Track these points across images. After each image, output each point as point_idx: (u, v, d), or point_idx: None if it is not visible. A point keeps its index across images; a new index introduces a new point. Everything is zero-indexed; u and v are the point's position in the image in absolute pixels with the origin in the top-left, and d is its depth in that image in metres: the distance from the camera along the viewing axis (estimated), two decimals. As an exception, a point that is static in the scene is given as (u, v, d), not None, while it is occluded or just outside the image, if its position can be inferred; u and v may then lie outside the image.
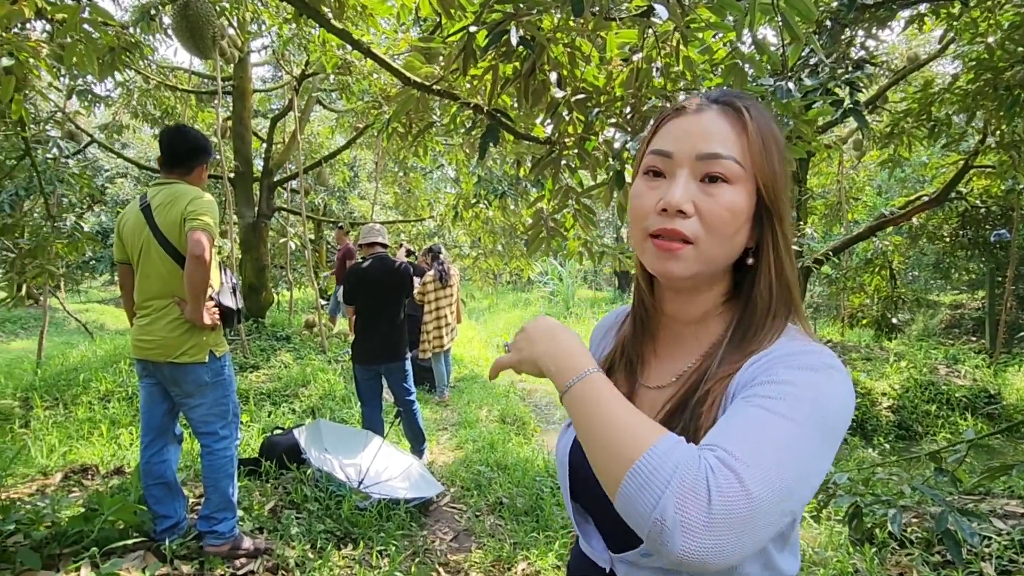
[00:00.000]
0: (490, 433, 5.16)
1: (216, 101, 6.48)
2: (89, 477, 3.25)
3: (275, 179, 8.17)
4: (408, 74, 2.92)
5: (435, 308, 6.07)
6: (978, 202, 8.60)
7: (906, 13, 5.09)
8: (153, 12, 4.75)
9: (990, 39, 5.22)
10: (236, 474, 2.58)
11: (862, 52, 4.77)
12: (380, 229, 4.21)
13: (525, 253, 9.73)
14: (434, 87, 3.01)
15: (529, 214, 9.12)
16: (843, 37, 4.88)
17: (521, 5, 2.46)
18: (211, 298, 2.43)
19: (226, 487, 2.49)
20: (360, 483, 3.50)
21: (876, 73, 7.71)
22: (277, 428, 4.03)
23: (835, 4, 4.49)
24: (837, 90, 3.70)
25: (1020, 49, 4.70)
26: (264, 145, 8.38)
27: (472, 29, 2.50)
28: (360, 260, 4.18)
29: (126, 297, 2.54)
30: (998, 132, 5.69)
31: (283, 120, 8.65)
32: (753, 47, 2.51)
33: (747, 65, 2.47)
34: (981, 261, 9.65)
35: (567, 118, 2.76)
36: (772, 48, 2.57)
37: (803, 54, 3.95)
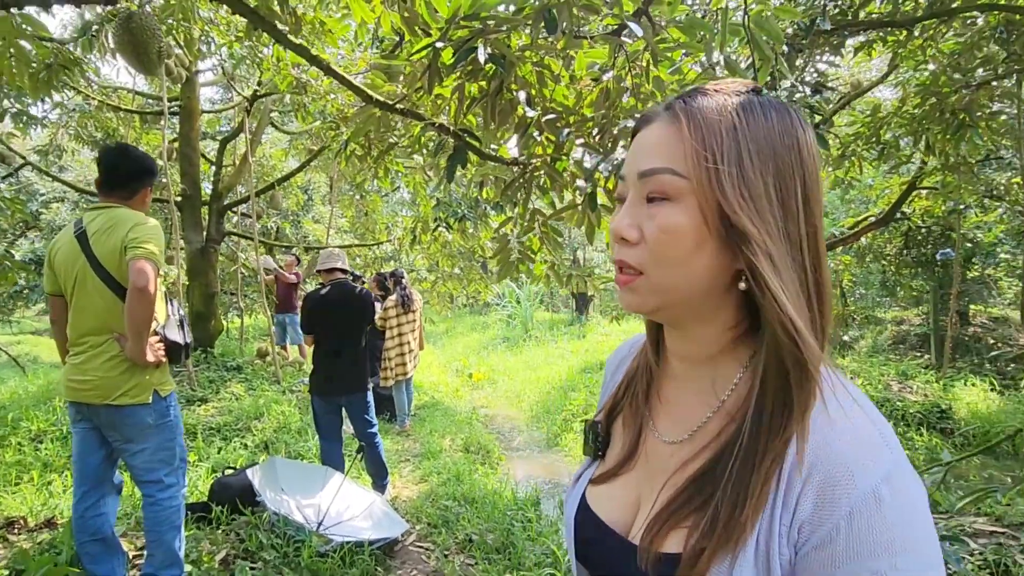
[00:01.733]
0: (455, 464, 4.98)
1: (162, 122, 6.20)
2: (15, 532, 2.93)
3: (225, 203, 7.87)
4: (370, 92, 2.80)
5: (397, 334, 5.87)
6: (920, 222, 8.91)
7: (853, 41, 5.24)
8: (96, 28, 4.49)
9: (931, 66, 5.44)
10: (183, 525, 2.35)
11: (817, 77, 4.87)
12: (339, 254, 4.03)
13: (484, 276, 9.63)
14: (397, 106, 2.89)
15: (488, 236, 9.05)
16: (797, 63, 4.98)
17: (490, 22, 2.37)
18: (155, 332, 2.22)
19: (172, 540, 2.25)
20: (320, 525, 3.28)
21: (830, 98, 7.97)
22: (228, 468, 3.77)
23: (790, 30, 4.59)
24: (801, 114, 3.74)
25: (958, 76, 4.89)
26: (213, 168, 8.08)
27: (439, 45, 2.40)
28: (319, 286, 3.99)
29: (58, 333, 2.29)
30: (942, 154, 5.90)
31: (233, 142, 8.37)
32: (725, 69, 2.49)
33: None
34: (924, 279, 9.99)
35: (538, 139, 2.67)
36: (742, 69, 2.54)
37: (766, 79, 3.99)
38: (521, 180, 2.82)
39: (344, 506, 3.59)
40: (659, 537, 0.60)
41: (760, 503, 0.56)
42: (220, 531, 3.10)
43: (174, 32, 4.27)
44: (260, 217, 7.60)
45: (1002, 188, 7.41)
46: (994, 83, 4.81)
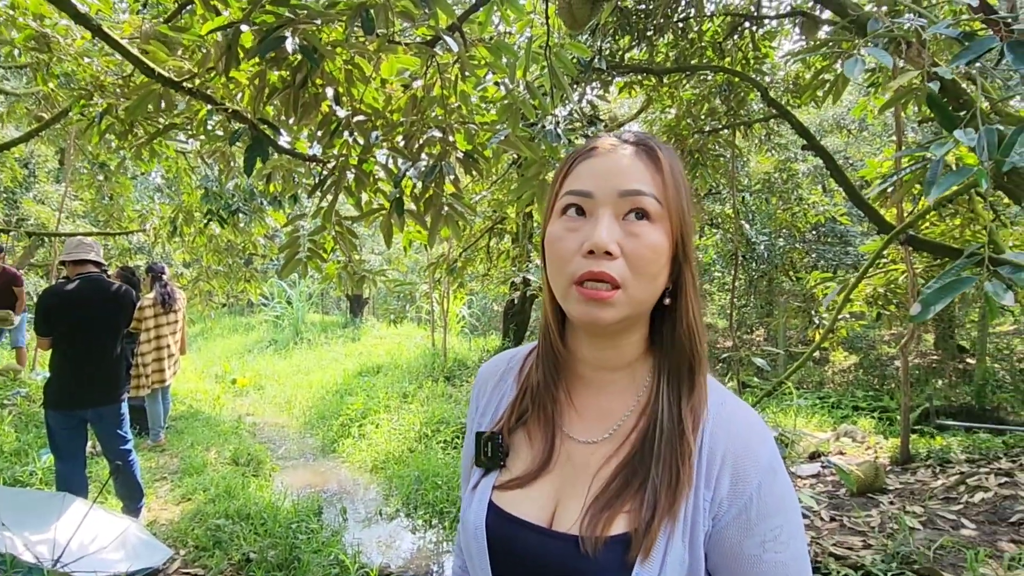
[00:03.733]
0: (223, 478, 4.57)
1: None
2: None
3: (-92, 170, 6.21)
4: (153, 65, 2.48)
5: (155, 337, 5.15)
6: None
7: (619, 80, 5.97)
8: None
9: (672, 110, 6.43)
10: None
11: (590, 109, 5.45)
12: (92, 243, 3.43)
13: (255, 274, 8.94)
14: (184, 84, 2.60)
15: (261, 232, 8.43)
16: (575, 96, 5.52)
17: (301, 12, 2.28)
18: None
19: None
20: (57, 561, 2.78)
21: (600, 129, 8.93)
22: (-77, 504, 3.01)
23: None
24: (577, 142, 4.17)
25: (691, 122, 5.86)
26: None
27: (244, 29, 2.23)
28: (63, 280, 3.37)
29: None
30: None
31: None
32: (526, 92, 2.69)
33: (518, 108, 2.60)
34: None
35: (349, 139, 2.61)
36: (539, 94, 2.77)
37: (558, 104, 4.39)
38: (333, 180, 2.72)
39: (90, 537, 3.09)
40: (603, 523, 0.66)
41: (689, 475, 0.66)
42: (-87, 584, 2.47)
43: None
44: (-36, 192, 6.10)
45: (719, 218, 9.01)
46: (718, 131, 5.85)
